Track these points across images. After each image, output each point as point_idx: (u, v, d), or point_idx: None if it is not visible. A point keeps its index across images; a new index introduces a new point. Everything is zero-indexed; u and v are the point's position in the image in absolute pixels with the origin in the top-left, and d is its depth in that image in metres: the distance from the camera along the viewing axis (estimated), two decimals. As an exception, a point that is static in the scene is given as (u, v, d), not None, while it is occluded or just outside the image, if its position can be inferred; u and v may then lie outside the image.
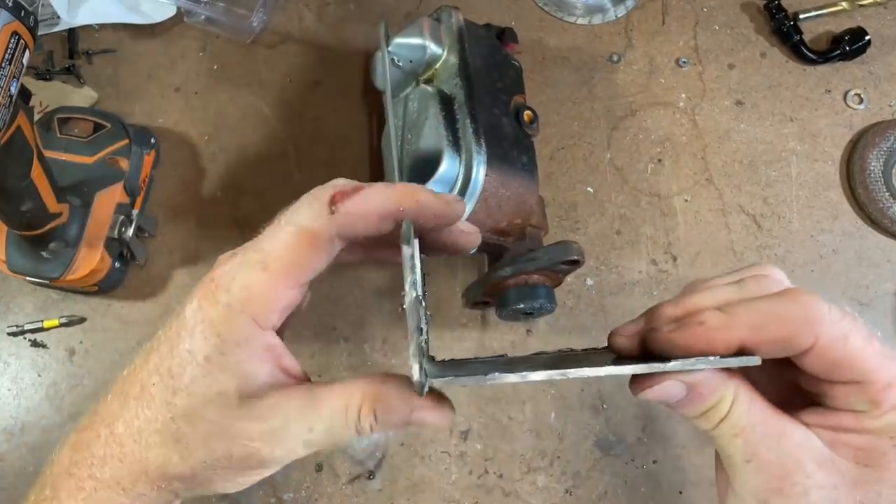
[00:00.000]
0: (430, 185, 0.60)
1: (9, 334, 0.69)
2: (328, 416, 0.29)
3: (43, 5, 0.74)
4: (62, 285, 0.66)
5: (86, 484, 0.30)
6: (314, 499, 0.65)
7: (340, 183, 0.31)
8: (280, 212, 0.33)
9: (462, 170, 0.60)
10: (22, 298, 0.70)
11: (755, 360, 0.27)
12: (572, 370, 0.27)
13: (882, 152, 0.77)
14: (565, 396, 0.69)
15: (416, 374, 0.27)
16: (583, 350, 0.35)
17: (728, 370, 0.28)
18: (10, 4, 0.43)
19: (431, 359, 0.30)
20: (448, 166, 0.60)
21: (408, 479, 0.66)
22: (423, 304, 0.28)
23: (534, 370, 0.27)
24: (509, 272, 0.62)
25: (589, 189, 0.77)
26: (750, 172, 0.79)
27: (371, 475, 0.66)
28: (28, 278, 0.65)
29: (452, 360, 0.34)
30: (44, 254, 0.63)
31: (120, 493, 0.30)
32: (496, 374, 0.27)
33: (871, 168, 0.77)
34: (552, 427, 0.68)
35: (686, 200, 0.78)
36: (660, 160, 0.79)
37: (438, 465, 0.67)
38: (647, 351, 0.30)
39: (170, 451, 0.29)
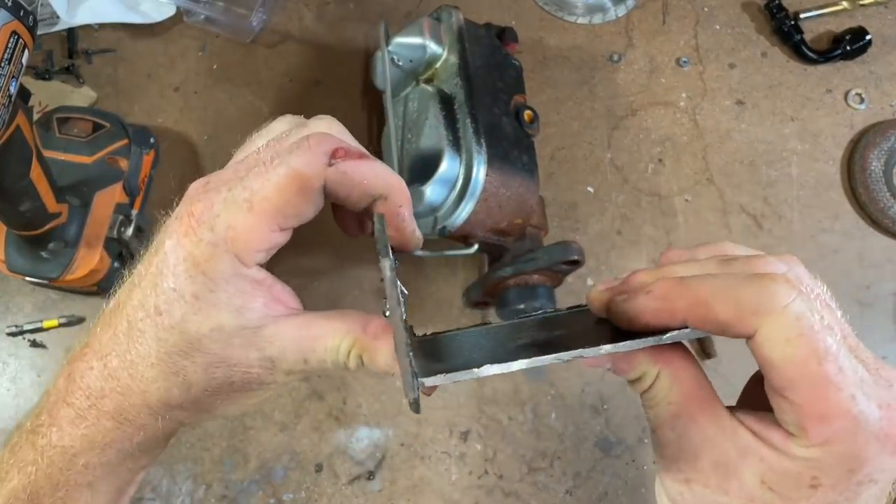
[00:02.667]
0: (431, 184, 0.60)
1: (8, 334, 0.68)
2: (321, 352, 0.30)
3: (42, 5, 0.74)
4: (61, 285, 0.66)
5: (88, 413, 0.30)
6: (314, 499, 0.65)
7: (341, 140, 0.30)
8: (254, 135, 0.32)
9: (462, 170, 0.60)
10: (21, 298, 0.70)
11: (697, 333, 0.26)
12: (549, 356, 0.27)
13: (883, 152, 0.77)
14: (565, 397, 0.69)
15: (409, 395, 0.27)
16: (567, 310, 0.34)
17: (669, 346, 0.27)
18: (10, 4, 0.43)
19: (413, 337, 0.30)
20: (448, 166, 0.60)
21: (408, 480, 0.66)
22: (403, 301, 0.28)
23: (521, 357, 0.27)
24: (509, 272, 0.62)
25: (589, 189, 0.77)
26: (751, 172, 0.79)
27: (371, 475, 0.66)
28: (27, 278, 0.64)
29: (434, 336, 0.33)
30: (43, 254, 0.63)
31: (124, 423, 0.30)
32: (487, 365, 0.27)
33: (872, 168, 0.77)
34: (552, 427, 0.68)
35: (687, 200, 0.77)
36: (660, 160, 0.79)
37: (438, 465, 0.67)
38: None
39: (169, 384, 0.29)
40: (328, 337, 0.30)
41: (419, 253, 0.62)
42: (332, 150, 0.29)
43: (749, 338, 0.24)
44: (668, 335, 0.26)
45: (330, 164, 0.28)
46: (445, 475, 0.66)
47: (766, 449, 0.25)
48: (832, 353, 0.23)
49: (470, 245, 0.63)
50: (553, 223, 0.74)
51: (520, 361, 0.27)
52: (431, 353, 0.31)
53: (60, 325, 0.69)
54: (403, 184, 0.31)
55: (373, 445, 0.67)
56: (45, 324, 0.68)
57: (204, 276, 0.28)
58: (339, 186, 0.29)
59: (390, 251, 0.28)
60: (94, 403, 0.30)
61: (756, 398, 0.27)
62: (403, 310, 0.28)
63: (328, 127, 0.31)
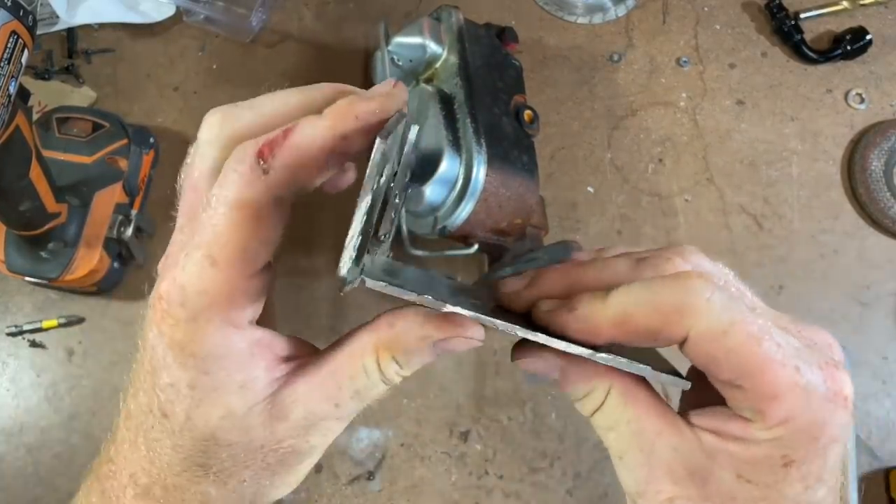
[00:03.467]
0: (431, 184, 0.60)
1: (7, 334, 0.68)
2: (350, 385, 0.27)
3: (42, 4, 0.74)
4: (61, 285, 0.66)
5: None
6: (314, 499, 0.65)
7: (258, 138, 0.25)
8: (185, 163, 0.28)
9: (462, 170, 0.60)
10: (21, 298, 0.70)
11: (685, 384, 0.25)
12: (502, 323, 0.25)
13: (883, 152, 0.77)
14: (565, 397, 0.69)
15: (342, 266, 0.24)
16: (483, 286, 0.32)
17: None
18: (9, 4, 0.43)
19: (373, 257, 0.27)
20: (448, 166, 0.60)
21: (408, 480, 0.66)
22: (395, 199, 0.26)
23: (465, 307, 0.25)
24: (509, 272, 0.62)
25: (589, 189, 0.77)
26: (751, 172, 0.79)
27: (371, 476, 0.66)
28: (27, 278, 0.64)
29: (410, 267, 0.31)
30: (42, 254, 0.63)
31: None
32: (449, 305, 0.25)
33: (873, 168, 0.77)
34: (552, 428, 0.68)
35: (687, 200, 0.77)
36: (660, 160, 0.79)
37: (438, 465, 0.67)
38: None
39: (205, 486, 0.27)
40: (346, 365, 0.27)
41: (419, 253, 0.62)
42: (254, 158, 0.24)
43: (681, 342, 0.24)
44: (601, 356, 0.25)
45: (265, 172, 0.24)
46: (445, 475, 0.66)
47: (731, 444, 0.24)
48: (766, 332, 0.23)
49: (470, 245, 0.63)
50: (553, 223, 0.74)
51: (459, 308, 0.25)
52: (389, 268, 0.29)
53: (60, 326, 0.68)
54: (334, 108, 0.25)
55: (373, 445, 0.67)
56: (45, 324, 0.68)
57: (193, 358, 0.25)
58: (297, 180, 0.25)
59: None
60: None
61: (697, 397, 0.27)
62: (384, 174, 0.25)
63: (223, 116, 0.27)
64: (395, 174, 0.28)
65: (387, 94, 0.26)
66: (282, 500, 0.30)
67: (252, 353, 0.26)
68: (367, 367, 0.27)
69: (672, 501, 0.25)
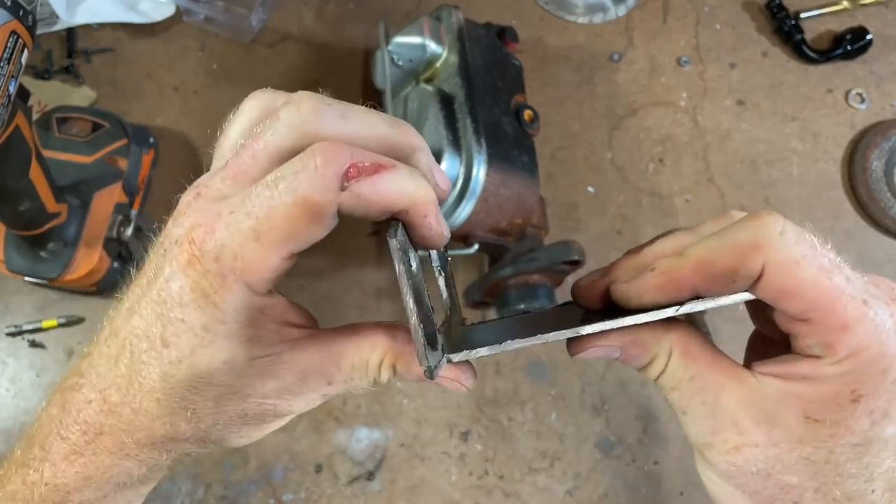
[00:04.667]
0: (431, 184, 0.60)
1: (7, 334, 0.68)
2: (348, 371, 0.29)
3: (42, 4, 0.74)
4: (61, 285, 0.66)
5: (85, 450, 0.29)
6: (313, 500, 0.65)
7: (352, 151, 0.25)
8: (227, 124, 0.29)
9: (462, 169, 0.60)
10: (20, 298, 0.70)
11: (746, 296, 0.26)
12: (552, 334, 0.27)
13: (884, 152, 0.77)
14: (565, 397, 0.69)
15: (422, 361, 0.26)
16: (553, 308, 0.34)
17: (670, 321, 0.27)
18: (9, 4, 0.43)
19: (448, 330, 0.30)
20: (448, 166, 0.60)
21: (407, 480, 0.66)
22: (424, 286, 0.27)
23: (541, 333, 0.27)
24: (510, 272, 0.62)
25: (590, 189, 0.77)
26: (751, 172, 0.79)
27: (371, 476, 0.66)
28: (26, 278, 0.64)
29: (481, 322, 0.33)
30: (42, 254, 0.63)
31: (124, 459, 0.29)
32: (509, 341, 0.27)
33: (873, 168, 0.77)
34: (553, 428, 0.68)
35: (687, 200, 0.77)
36: (661, 160, 0.79)
37: (438, 465, 0.66)
38: (612, 303, 0.29)
39: (176, 419, 0.28)
40: (352, 353, 0.29)
41: (419, 253, 0.62)
42: (343, 171, 0.25)
43: (757, 280, 0.24)
44: (686, 306, 0.26)
45: (343, 188, 0.25)
46: (445, 475, 0.66)
47: (798, 385, 0.25)
48: (836, 265, 0.24)
49: (470, 245, 0.63)
50: (553, 223, 0.74)
51: (542, 336, 0.27)
52: (453, 339, 0.31)
53: (60, 326, 0.68)
54: (428, 188, 0.27)
55: (372, 446, 0.67)
56: (45, 324, 0.68)
57: (214, 307, 0.26)
58: (354, 209, 0.26)
59: (409, 253, 0.27)
60: (91, 440, 0.28)
61: (761, 354, 0.27)
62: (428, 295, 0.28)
63: (314, 109, 0.27)
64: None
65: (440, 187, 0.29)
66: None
67: (265, 313, 0.27)
68: (370, 363, 0.29)
69: (739, 450, 0.26)
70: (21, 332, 0.68)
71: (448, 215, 0.60)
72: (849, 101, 0.82)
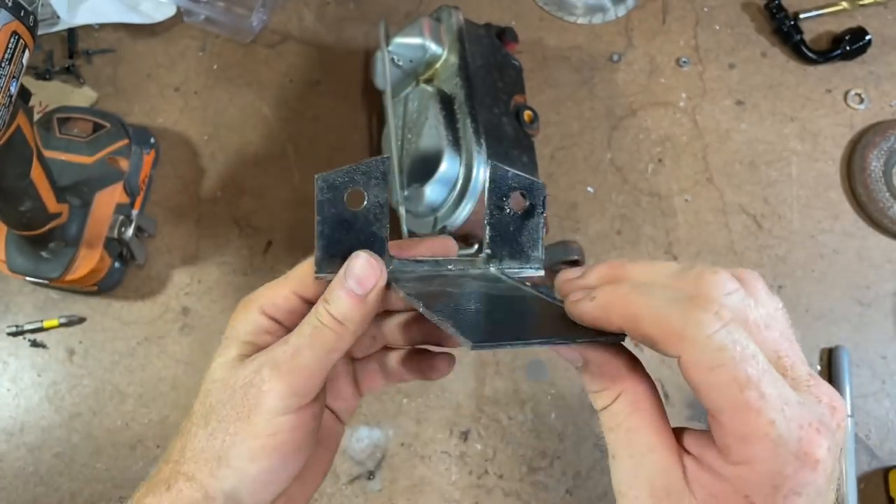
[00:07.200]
0: (431, 184, 0.60)
1: (8, 334, 0.68)
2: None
3: (43, 5, 0.74)
4: (62, 285, 0.66)
5: None
6: (313, 499, 0.65)
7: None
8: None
9: (462, 170, 0.60)
10: (21, 298, 0.70)
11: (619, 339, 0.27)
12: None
13: (883, 152, 0.77)
14: (565, 397, 0.69)
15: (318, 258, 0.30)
16: (539, 292, 0.34)
17: (637, 368, 0.28)
18: (10, 4, 0.43)
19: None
20: (448, 166, 0.60)
21: (408, 480, 0.66)
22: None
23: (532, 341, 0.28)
24: (509, 272, 0.62)
25: (589, 189, 0.77)
26: (750, 172, 0.79)
27: (371, 475, 0.66)
28: (28, 278, 0.64)
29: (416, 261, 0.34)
30: (43, 254, 0.63)
31: None
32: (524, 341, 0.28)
33: (872, 168, 0.77)
34: (552, 427, 0.68)
35: (686, 200, 0.77)
36: (660, 160, 0.79)
37: (438, 465, 0.67)
38: None
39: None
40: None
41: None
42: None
43: (677, 359, 0.25)
44: (606, 338, 0.27)
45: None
46: (445, 475, 0.66)
47: (705, 474, 0.26)
48: (753, 381, 0.24)
49: (470, 245, 0.63)
50: (553, 223, 0.74)
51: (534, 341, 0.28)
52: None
53: (61, 325, 0.69)
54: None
55: (373, 445, 0.67)
56: (46, 324, 0.68)
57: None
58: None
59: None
60: None
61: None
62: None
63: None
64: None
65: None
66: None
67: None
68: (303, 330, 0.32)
69: None
70: (22, 332, 0.68)
71: (448, 215, 0.60)
72: (848, 102, 0.82)
